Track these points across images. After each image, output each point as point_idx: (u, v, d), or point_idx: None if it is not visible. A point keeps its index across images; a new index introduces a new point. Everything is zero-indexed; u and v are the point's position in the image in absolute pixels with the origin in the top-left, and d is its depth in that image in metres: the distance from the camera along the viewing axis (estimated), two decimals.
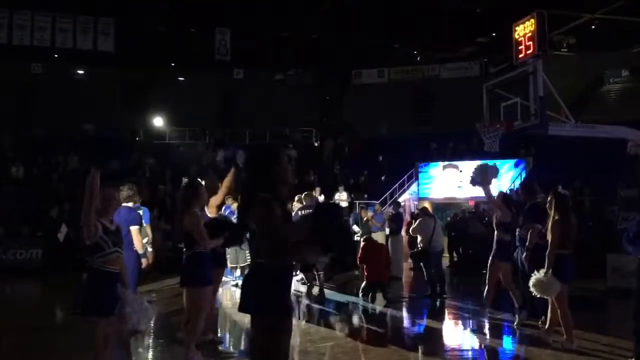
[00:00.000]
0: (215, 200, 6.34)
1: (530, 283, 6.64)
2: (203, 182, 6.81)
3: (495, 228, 8.13)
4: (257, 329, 3.14)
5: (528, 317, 7.97)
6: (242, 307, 3.20)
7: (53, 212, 17.05)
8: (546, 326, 7.00)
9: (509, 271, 8.09)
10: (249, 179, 3.29)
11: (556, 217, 6.60)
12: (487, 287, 8.23)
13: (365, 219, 14.51)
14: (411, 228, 11.60)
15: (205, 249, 5.66)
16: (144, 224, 10.42)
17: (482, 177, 7.82)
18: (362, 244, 11.11)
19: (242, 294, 3.27)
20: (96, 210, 4.34)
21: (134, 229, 7.26)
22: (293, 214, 13.88)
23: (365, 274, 10.41)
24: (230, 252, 11.95)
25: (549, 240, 6.58)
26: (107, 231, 4.39)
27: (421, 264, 11.15)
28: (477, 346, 7.46)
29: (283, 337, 3.13)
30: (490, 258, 8.13)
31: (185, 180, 6.43)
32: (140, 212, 8.25)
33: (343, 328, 8.15)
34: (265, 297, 3.10)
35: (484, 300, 8.37)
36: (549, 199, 6.86)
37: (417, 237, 11.23)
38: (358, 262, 10.83)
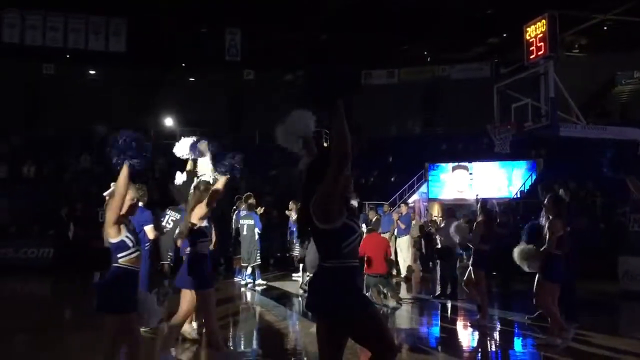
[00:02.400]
0: (200, 211, 5.80)
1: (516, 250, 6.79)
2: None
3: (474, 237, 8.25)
4: (361, 325, 3.18)
5: (539, 319, 7.96)
6: (333, 313, 3.17)
7: (63, 212, 17.15)
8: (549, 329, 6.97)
9: (482, 278, 8.15)
10: (309, 185, 3.25)
11: (553, 218, 6.63)
12: (480, 299, 8.27)
13: (374, 219, 14.47)
14: (441, 229, 11.56)
15: (202, 251, 5.68)
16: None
17: None
18: (364, 236, 11.16)
19: (328, 299, 3.18)
20: (123, 209, 4.36)
21: (148, 228, 7.32)
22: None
23: (365, 266, 10.41)
24: (243, 252, 12.04)
25: (546, 240, 6.60)
26: (129, 230, 4.42)
27: (438, 262, 11.17)
28: (485, 348, 7.43)
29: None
30: (470, 266, 8.22)
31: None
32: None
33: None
34: (356, 295, 3.20)
35: (481, 318, 8.31)
36: (545, 202, 6.89)
37: (426, 235, 11.22)
38: (359, 254, 10.81)
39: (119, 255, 4.32)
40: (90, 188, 19.64)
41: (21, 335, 7.72)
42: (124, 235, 4.33)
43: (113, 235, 4.31)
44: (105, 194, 4.62)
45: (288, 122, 3.57)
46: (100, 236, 4.53)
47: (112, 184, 4.56)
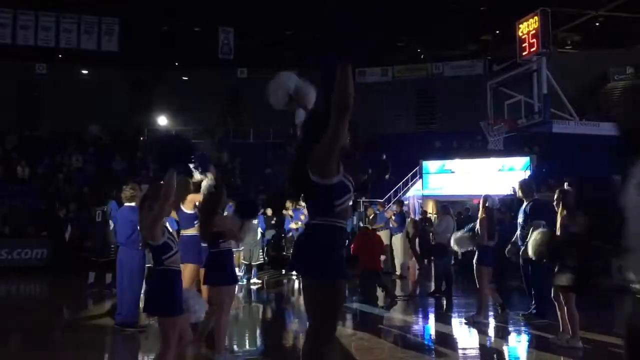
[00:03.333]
0: (194, 196, 6.10)
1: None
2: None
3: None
4: (318, 290, 3.13)
5: (537, 316, 7.96)
6: (305, 269, 3.21)
7: (61, 212, 17.08)
8: (561, 329, 6.90)
9: (488, 275, 8.16)
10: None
11: (564, 213, 6.61)
12: (481, 296, 8.24)
13: (371, 216, 14.52)
14: (434, 226, 11.55)
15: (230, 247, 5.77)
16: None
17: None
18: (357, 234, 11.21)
19: (306, 256, 3.19)
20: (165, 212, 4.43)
21: None
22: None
23: (360, 264, 10.45)
24: (243, 249, 12.11)
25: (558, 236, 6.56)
26: (168, 231, 4.49)
27: (432, 258, 11.19)
28: (480, 345, 7.45)
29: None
30: (474, 264, 8.19)
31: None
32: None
33: (346, 327, 8.15)
34: (333, 258, 3.13)
35: (476, 315, 8.30)
36: (555, 196, 6.87)
37: (420, 232, 11.21)
38: (351, 253, 10.88)
39: (164, 257, 4.37)
40: (83, 188, 19.58)
41: (15, 336, 7.69)
42: (166, 237, 4.39)
43: (158, 237, 4.34)
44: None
45: (278, 80, 3.52)
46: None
47: (142, 185, 4.60)
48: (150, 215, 4.35)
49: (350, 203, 3.26)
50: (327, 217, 3.11)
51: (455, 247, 8.71)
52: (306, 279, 3.19)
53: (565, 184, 7.53)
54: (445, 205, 12.64)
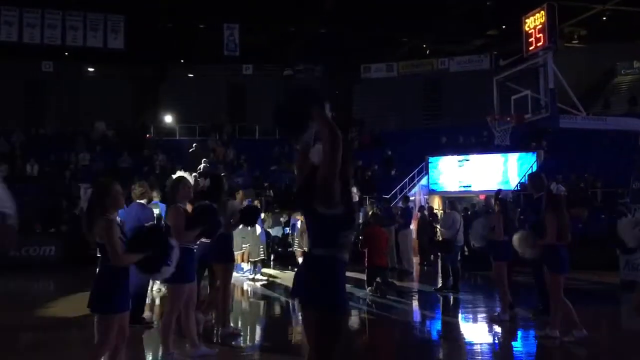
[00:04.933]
0: None
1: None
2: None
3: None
4: (319, 322, 3.11)
5: (543, 312, 7.93)
6: (309, 300, 3.16)
7: (77, 210, 17.12)
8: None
9: (503, 271, 8.07)
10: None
11: (550, 210, 6.61)
12: (501, 295, 8.15)
13: (370, 212, 14.51)
14: (440, 222, 11.52)
15: (188, 245, 5.57)
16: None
17: None
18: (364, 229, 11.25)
19: (310, 287, 3.14)
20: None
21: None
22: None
23: (366, 259, 10.51)
24: (247, 246, 12.20)
25: (546, 233, 6.57)
26: (121, 229, 4.39)
27: (439, 254, 11.17)
28: (483, 341, 7.43)
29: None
30: (493, 260, 8.09)
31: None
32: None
33: (352, 323, 8.15)
34: (337, 290, 3.12)
35: (501, 313, 8.24)
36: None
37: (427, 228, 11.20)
38: (360, 247, 10.93)
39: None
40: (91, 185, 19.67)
41: (24, 333, 7.73)
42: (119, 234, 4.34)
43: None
44: None
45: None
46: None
47: (83, 185, 4.55)
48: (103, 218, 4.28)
49: (356, 199, 3.27)
50: (330, 249, 3.09)
51: (476, 242, 8.36)
52: (307, 310, 3.17)
53: (553, 184, 7.44)
54: (453, 201, 12.63)
